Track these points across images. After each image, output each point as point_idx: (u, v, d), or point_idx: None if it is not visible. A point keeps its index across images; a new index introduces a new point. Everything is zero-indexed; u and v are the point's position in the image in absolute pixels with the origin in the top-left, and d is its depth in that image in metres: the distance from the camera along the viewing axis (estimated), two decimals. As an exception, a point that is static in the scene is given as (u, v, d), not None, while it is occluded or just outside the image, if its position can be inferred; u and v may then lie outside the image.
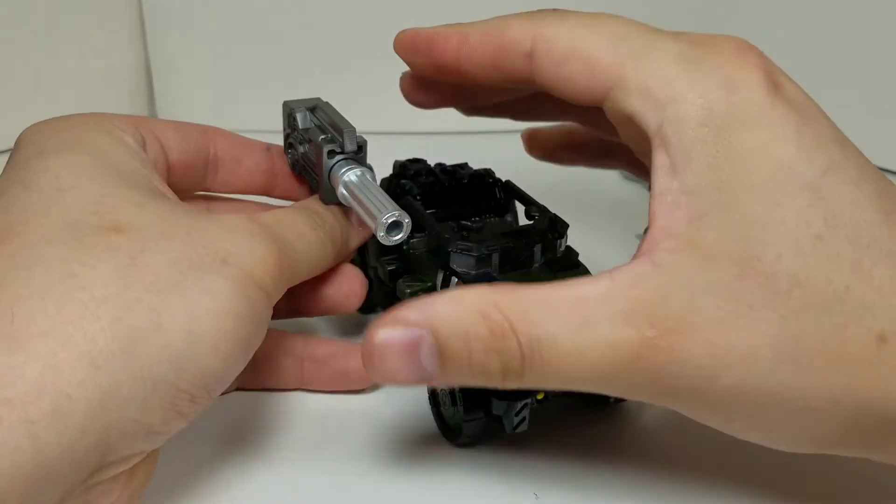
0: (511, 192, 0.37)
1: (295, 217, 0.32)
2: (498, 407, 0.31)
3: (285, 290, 0.30)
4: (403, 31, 0.33)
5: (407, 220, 0.31)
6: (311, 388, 0.36)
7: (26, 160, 0.29)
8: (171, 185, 0.32)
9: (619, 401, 0.34)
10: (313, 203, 0.34)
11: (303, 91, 0.42)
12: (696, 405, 0.27)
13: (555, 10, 0.30)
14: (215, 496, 0.31)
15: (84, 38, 0.54)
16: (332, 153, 0.34)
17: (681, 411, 0.27)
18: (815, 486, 0.32)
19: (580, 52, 0.28)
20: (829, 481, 0.33)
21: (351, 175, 0.33)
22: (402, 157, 0.40)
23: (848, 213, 0.26)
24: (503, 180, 0.37)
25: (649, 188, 0.28)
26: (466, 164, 0.39)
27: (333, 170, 0.34)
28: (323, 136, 0.34)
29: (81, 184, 0.28)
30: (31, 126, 0.31)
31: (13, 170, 0.29)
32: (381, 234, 0.31)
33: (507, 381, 0.26)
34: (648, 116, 0.27)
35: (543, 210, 0.35)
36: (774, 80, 0.28)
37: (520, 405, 0.31)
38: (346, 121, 0.34)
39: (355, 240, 0.35)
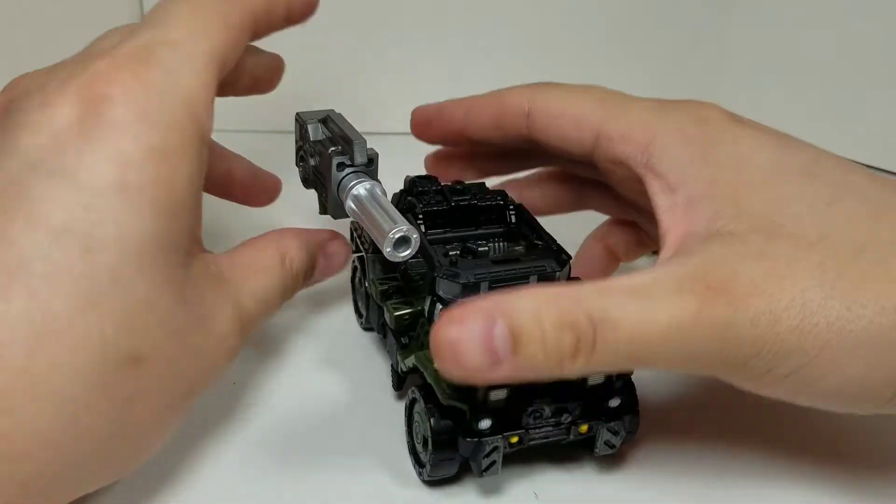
0: (521, 217, 0.36)
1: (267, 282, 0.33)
2: (465, 448, 0.30)
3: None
4: (417, 108, 0.40)
5: (415, 236, 0.31)
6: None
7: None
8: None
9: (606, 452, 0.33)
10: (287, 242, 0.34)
11: (303, 91, 0.42)
12: (762, 355, 0.27)
13: (548, 82, 0.36)
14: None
15: (84, 38, 0.54)
16: (341, 165, 0.33)
17: (745, 374, 0.28)
18: None
19: (570, 111, 0.34)
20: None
21: (360, 188, 0.33)
22: (407, 158, 0.40)
23: (846, 184, 0.30)
24: (516, 203, 0.36)
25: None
26: (483, 183, 0.38)
27: (342, 183, 0.33)
28: (333, 149, 0.34)
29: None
30: (122, 105, 0.28)
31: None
32: (388, 249, 0.31)
33: (578, 358, 0.27)
34: (635, 157, 0.32)
35: (549, 240, 0.34)
36: (736, 115, 0.32)
37: (489, 447, 0.30)
38: (358, 133, 0.34)
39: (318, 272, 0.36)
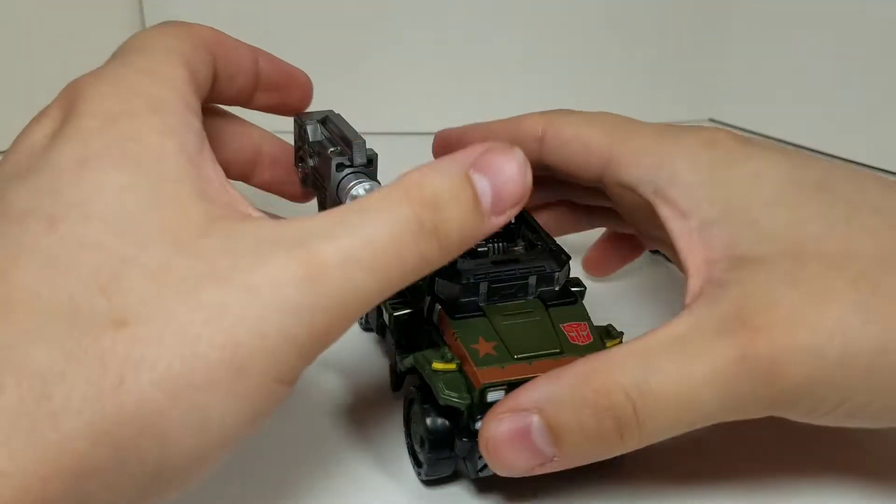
0: (520, 217, 0.36)
1: (383, 231, 0.25)
2: (462, 448, 0.30)
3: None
4: (439, 132, 0.40)
5: None
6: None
7: (60, 166, 0.25)
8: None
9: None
10: (433, 178, 0.26)
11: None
12: (814, 392, 0.27)
13: (562, 109, 0.37)
14: None
15: (84, 38, 0.54)
16: (340, 166, 0.33)
17: (798, 410, 0.28)
18: None
19: (580, 137, 0.34)
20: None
21: (359, 189, 0.33)
22: (407, 158, 0.40)
23: (862, 199, 0.29)
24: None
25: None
26: None
27: (342, 183, 0.33)
28: (332, 149, 0.34)
29: (106, 241, 0.24)
30: (88, 85, 0.27)
31: (41, 171, 0.25)
32: None
33: (626, 439, 0.27)
34: (643, 183, 0.32)
35: (548, 241, 0.34)
36: (743, 136, 0.32)
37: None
38: (357, 133, 0.34)
39: (480, 234, 0.27)
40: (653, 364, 0.27)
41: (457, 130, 0.40)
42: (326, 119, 0.36)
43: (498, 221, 0.26)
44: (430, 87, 0.44)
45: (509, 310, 0.32)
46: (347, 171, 0.33)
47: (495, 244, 0.35)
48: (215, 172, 0.27)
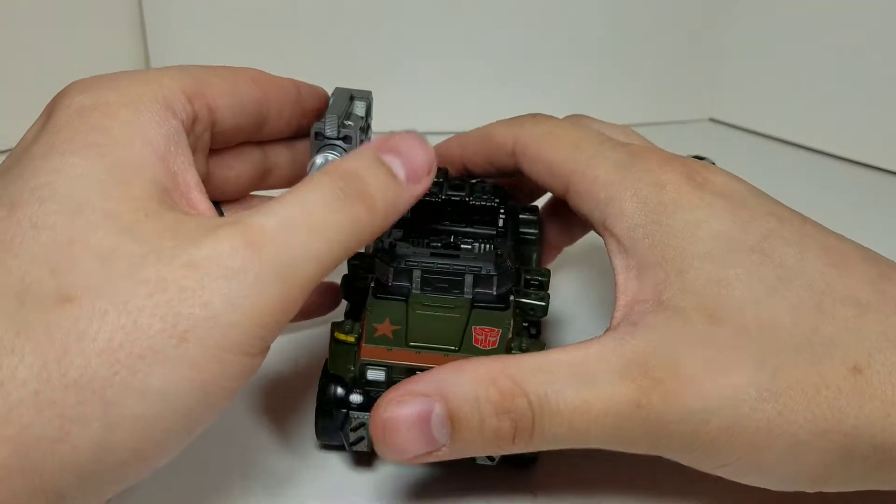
0: (510, 217, 0.36)
1: (313, 199, 0.27)
2: (337, 417, 0.31)
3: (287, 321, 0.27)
4: None
5: None
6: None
7: (31, 156, 0.27)
8: (220, 141, 0.32)
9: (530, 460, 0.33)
10: (348, 161, 0.28)
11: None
12: (693, 450, 0.28)
13: (533, 115, 0.37)
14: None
15: (84, 38, 0.54)
16: (318, 135, 0.34)
17: (679, 459, 0.29)
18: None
19: (544, 157, 0.34)
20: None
21: (319, 158, 0.34)
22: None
23: (797, 268, 0.29)
24: (508, 205, 0.37)
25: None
26: (486, 180, 0.38)
27: (315, 152, 0.34)
28: (317, 121, 0.34)
29: (58, 222, 0.25)
30: (75, 85, 0.29)
31: (18, 162, 0.27)
32: None
33: (518, 442, 0.27)
34: (594, 213, 0.32)
35: (506, 247, 0.34)
36: (698, 178, 0.31)
37: (355, 421, 0.31)
38: (341, 107, 0.35)
39: (404, 198, 0.29)
40: (556, 382, 0.27)
41: (436, 148, 0.39)
42: (334, 93, 0.37)
43: (416, 189, 0.29)
44: (430, 88, 0.44)
45: (433, 302, 0.32)
46: (324, 142, 0.34)
47: (482, 245, 0.35)
48: (185, 172, 0.28)
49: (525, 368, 0.28)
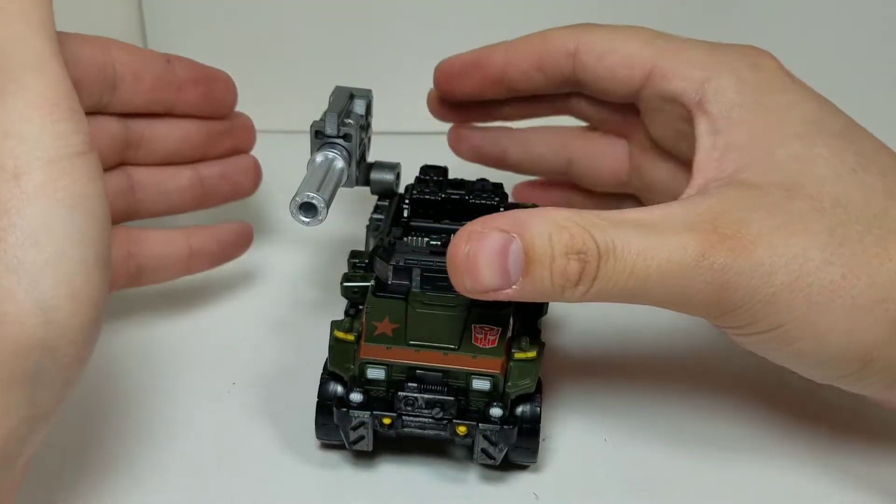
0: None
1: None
2: (337, 417, 0.31)
3: None
4: (443, 62, 0.39)
5: (322, 206, 0.32)
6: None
7: None
8: None
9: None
10: None
11: (305, 92, 0.42)
12: (752, 305, 0.28)
13: (592, 23, 0.37)
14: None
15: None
16: (318, 133, 0.34)
17: (734, 319, 0.29)
18: None
19: (619, 48, 0.35)
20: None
21: (319, 156, 0.34)
22: (406, 158, 0.40)
23: (874, 158, 0.31)
24: (508, 204, 0.37)
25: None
26: (487, 179, 0.38)
27: (315, 150, 0.35)
28: (317, 120, 0.35)
29: None
30: None
31: None
32: (293, 210, 0.32)
33: (581, 284, 0.28)
34: (688, 94, 0.32)
35: None
36: (787, 69, 0.33)
37: (355, 420, 0.31)
38: (340, 105, 0.35)
39: None
40: (623, 231, 0.28)
41: (468, 55, 0.39)
42: (352, 95, 0.37)
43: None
44: (429, 88, 0.44)
45: (433, 300, 0.32)
46: (324, 141, 0.35)
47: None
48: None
49: (594, 218, 0.28)
